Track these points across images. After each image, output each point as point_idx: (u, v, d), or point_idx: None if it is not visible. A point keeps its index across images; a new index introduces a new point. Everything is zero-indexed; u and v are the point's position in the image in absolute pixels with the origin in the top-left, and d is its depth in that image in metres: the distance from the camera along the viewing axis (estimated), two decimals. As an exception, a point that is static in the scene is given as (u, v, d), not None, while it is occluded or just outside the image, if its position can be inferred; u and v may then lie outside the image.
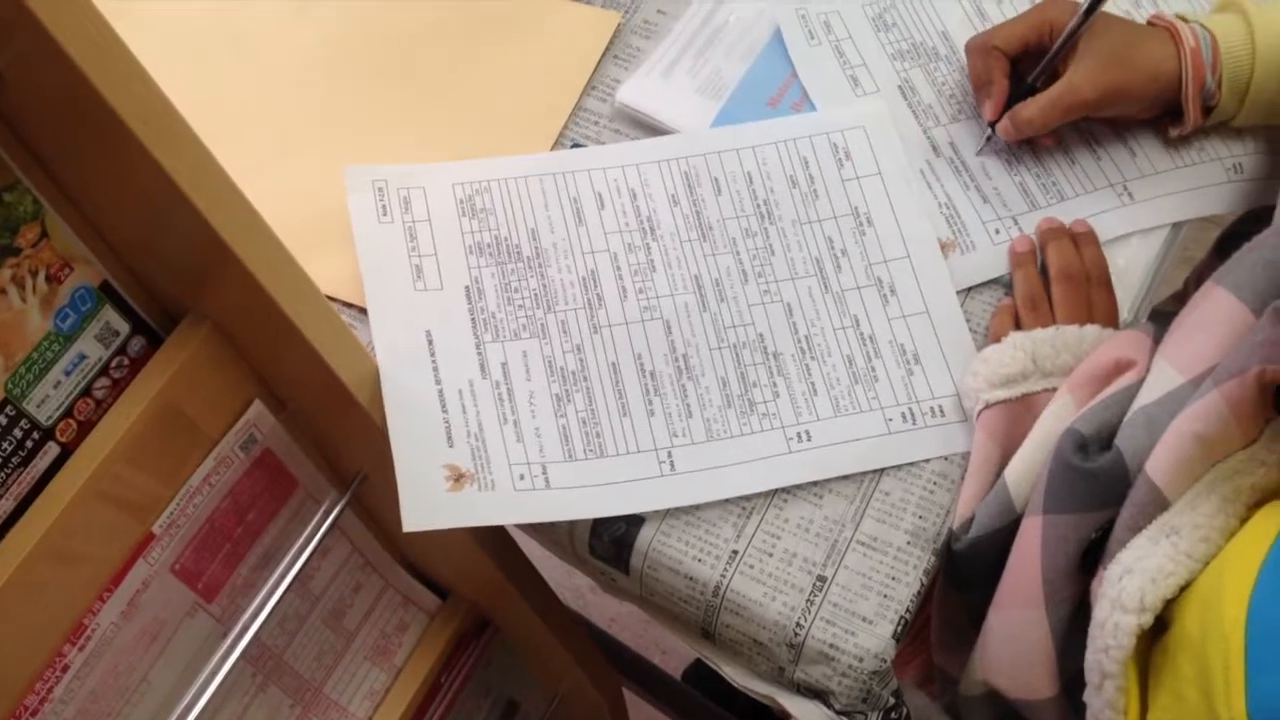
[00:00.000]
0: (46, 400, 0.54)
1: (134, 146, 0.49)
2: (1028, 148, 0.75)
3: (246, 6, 0.85)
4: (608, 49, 0.83)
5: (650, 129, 0.79)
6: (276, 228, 0.55)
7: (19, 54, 0.47)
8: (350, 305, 0.72)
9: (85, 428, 0.55)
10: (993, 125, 0.74)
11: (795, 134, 0.77)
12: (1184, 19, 0.70)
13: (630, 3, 0.86)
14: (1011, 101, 0.73)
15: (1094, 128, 0.75)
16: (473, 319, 0.69)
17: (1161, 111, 0.73)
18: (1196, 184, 0.73)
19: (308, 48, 0.83)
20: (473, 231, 0.72)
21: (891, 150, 0.76)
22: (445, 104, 0.81)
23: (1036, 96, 0.71)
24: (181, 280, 0.58)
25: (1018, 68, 0.74)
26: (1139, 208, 0.72)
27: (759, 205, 0.74)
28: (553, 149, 0.78)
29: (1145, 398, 0.57)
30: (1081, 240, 0.70)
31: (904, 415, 0.67)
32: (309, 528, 0.67)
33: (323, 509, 0.67)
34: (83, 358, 0.55)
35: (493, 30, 0.84)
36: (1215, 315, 0.56)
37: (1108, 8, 0.70)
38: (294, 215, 0.73)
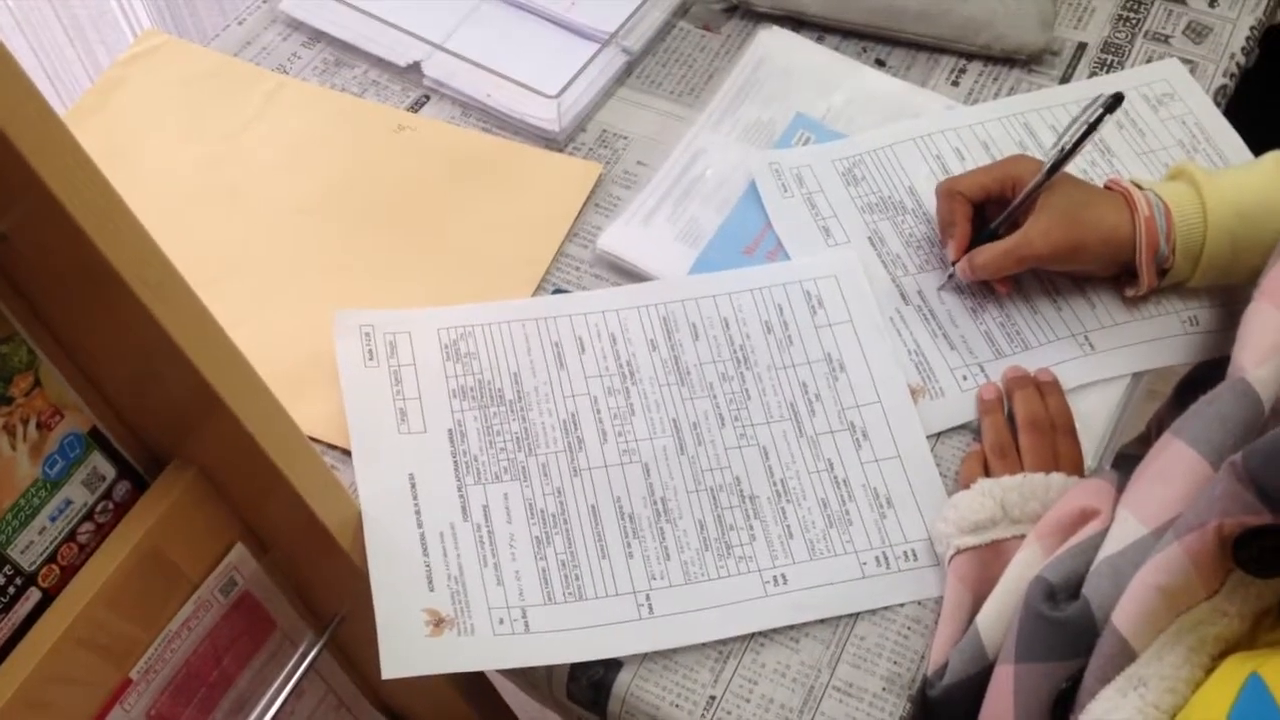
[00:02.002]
0: (30, 546, 0.54)
1: (133, 303, 0.50)
2: (992, 297, 0.78)
3: (239, 153, 0.88)
4: (589, 198, 0.86)
5: (630, 275, 0.82)
6: (263, 370, 0.56)
7: (25, 215, 0.49)
8: (334, 447, 0.73)
9: (68, 573, 0.56)
10: (954, 264, 0.77)
11: (770, 282, 0.80)
12: (1139, 185, 0.74)
13: (611, 154, 0.89)
14: (975, 243, 0.77)
15: (1055, 280, 0.79)
16: (455, 462, 0.70)
17: (1118, 271, 0.76)
18: (1154, 335, 0.76)
19: (298, 194, 0.86)
20: (457, 375, 0.73)
21: (862, 298, 0.78)
22: (432, 250, 0.83)
23: (993, 244, 0.75)
24: (169, 426, 0.59)
25: (984, 212, 0.78)
26: (1100, 358, 0.75)
27: (735, 350, 0.77)
28: (535, 293, 0.81)
29: (1110, 548, 0.58)
30: (1046, 389, 0.73)
31: (878, 559, 0.68)
32: (285, 670, 0.67)
33: (299, 651, 0.67)
34: (69, 503, 0.56)
35: (478, 179, 0.87)
36: (1175, 468, 0.58)
37: (1069, 169, 0.74)
38: (281, 358, 0.75)
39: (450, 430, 0.71)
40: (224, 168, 0.87)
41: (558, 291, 0.81)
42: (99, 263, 0.48)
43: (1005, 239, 0.75)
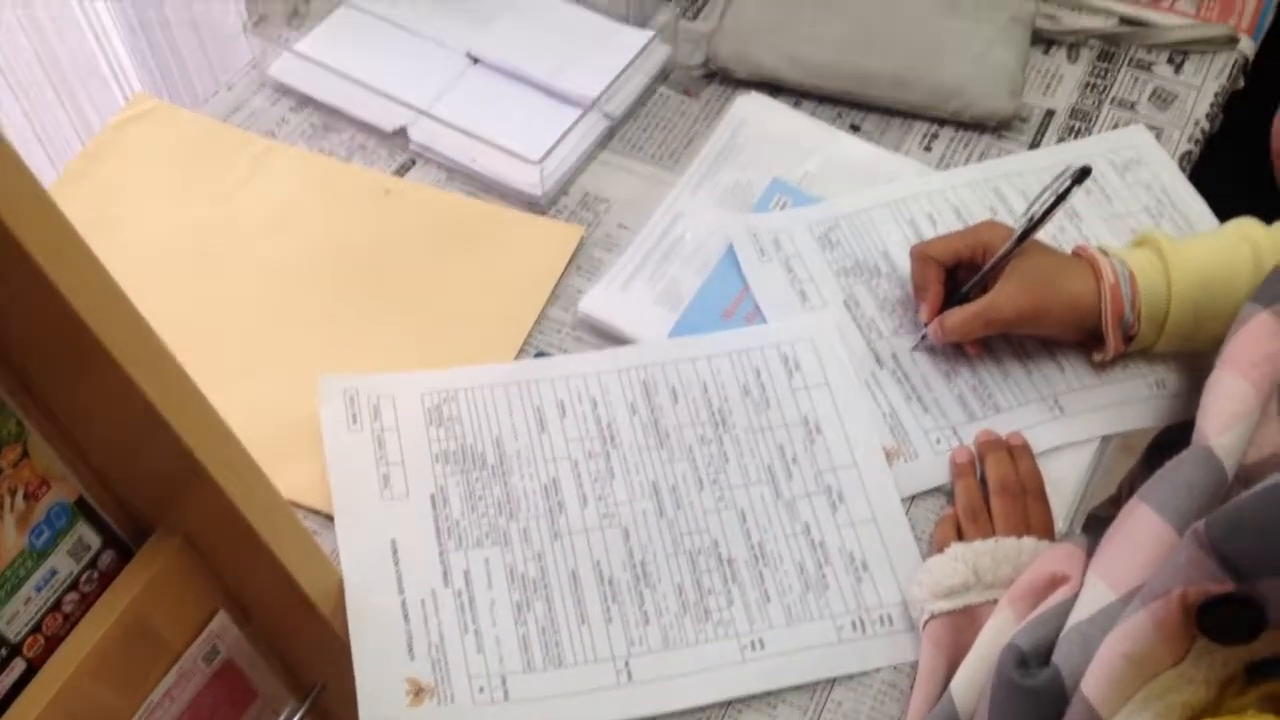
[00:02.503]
0: (16, 617, 0.55)
1: (119, 376, 0.51)
2: (965, 360, 0.80)
3: (227, 217, 0.89)
4: (571, 260, 0.88)
5: (612, 337, 0.83)
6: (247, 434, 0.57)
7: (15, 292, 0.50)
8: (316, 512, 0.73)
9: (53, 643, 0.56)
10: (927, 326, 0.79)
11: (748, 345, 0.81)
12: (1105, 252, 0.76)
13: (593, 217, 0.91)
14: (947, 305, 0.78)
15: (1025, 343, 0.80)
16: (437, 527, 0.71)
17: (1085, 336, 0.78)
18: (1122, 399, 0.77)
19: (285, 258, 0.87)
20: (439, 439, 0.75)
21: (838, 361, 0.80)
22: (416, 313, 0.85)
23: (963, 307, 0.77)
24: (154, 494, 0.59)
25: (956, 276, 0.80)
26: (1069, 421, 0.77)
27: (714, 413, 0.78)
28: (518, 356, 0.82)
29: (1079, 614, 0.59)
30: (1017, 453, 0.74)
31: (854, 624, 0.69)
32: (267, 737, 0.67)
33: (281, 719, 0.68)
34: (54, 573, 0.56)
35: (463, 243, 0.89)
36: (1142, 534, 0.60)
37: (1038, 236, 0.76)
38: (265, 421, 0.76)
39: (433, 495, 0.72)
40: (212, 232, 0.88)
41: (540, 355, 0.82)
42: (85, 336, 0.49)
43: (975, 302, 0.76)
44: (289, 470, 0.73)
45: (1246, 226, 0.75)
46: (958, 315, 0.77)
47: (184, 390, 0.54)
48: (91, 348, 0.50)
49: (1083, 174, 0.74)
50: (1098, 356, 0.77)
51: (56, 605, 0.57)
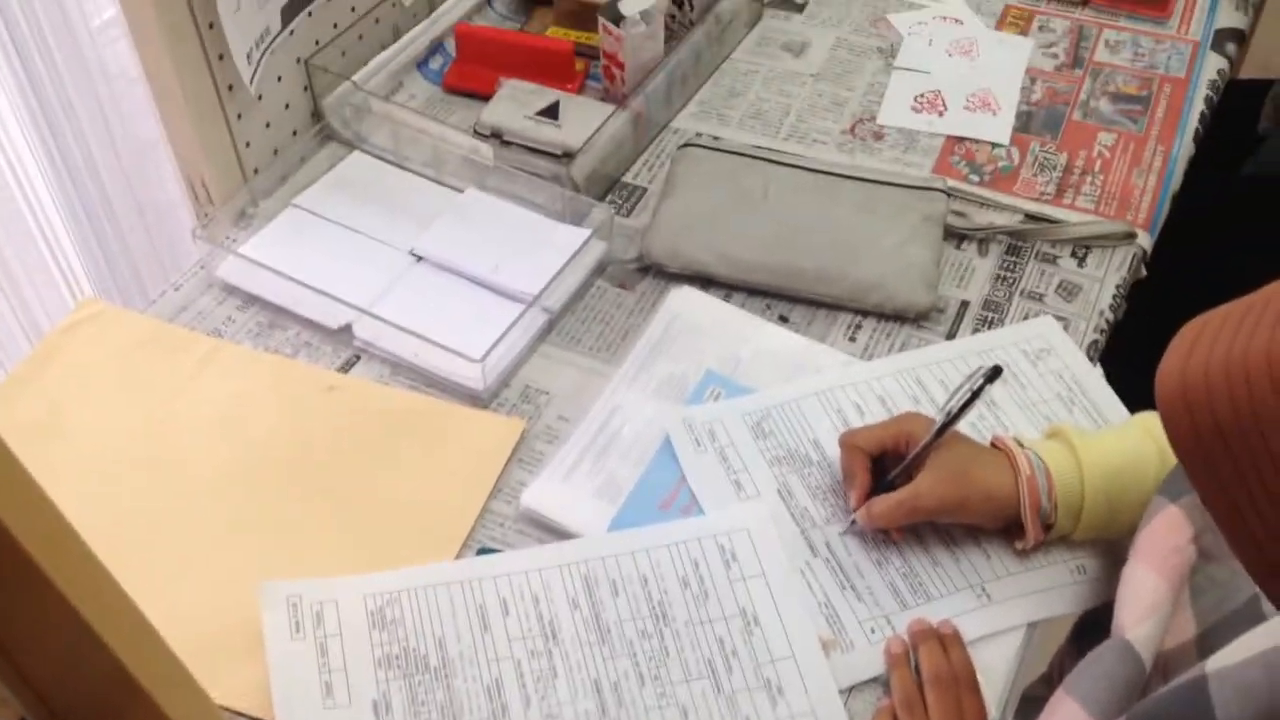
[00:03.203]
0: None
1: (57, 599, 0.52)
2: (894, 548, 0.83)
3: (173, 418, 0.91)
4: (513, 453, 0.90)
5: (553, 531, 0.85)
6: (188, 640, 0.57)
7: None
8: (257, 720, 0.73)
9: None
10: (855, 513, 0.82)
11: (685, 537, 0.83)
12: (1021, 444, 0.80)
13: (534, 409, 0.94)
14: (875, 492, 0.82)
15: (952, 530, 0.84)
16: (379, 735, 0.71)
17: (1006, 525, 0.81)
18: (1046, 585, 0.81)
19: (229, 459, 0.88)
20: (382, 644, 0.75)
21: (773, 552, 0.82)
22: (359, 509, 0.86)
23: (888, 495, 0.80)
24: (95, 713, 0.59)
25: (883, 463, 0.83)
26: (996, 609, 0.79)
27: (654, 607, 0.79)
28: (461, 551, 0.84)
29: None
30: (948, 642, 0.76)
31: (796, 822, 0.70)
32: None
33: None
34: (-12, 804, 0.56)
35: (406, 438, 0.91)
36: None
37: (960, 426, 0.80)
38: (206, 628, 0.76)
39: (375, 702, 0.72)
40: (157, 433, 0.89)
41: (483, 550, 0.83)
42: (21, 560, 0.50)
43: (899, 491, 0.80)
44: (229, 676, 0.73)
45: (1150, 421, 0.80)
46: (883, 504, 0.80)
47: (124, 613, 0.55)
48: (29, 572, 0.51)
49: (994, 373, 0.79)
50: (1019, 545, 0.81)
51: (-11, 838, 0.56)
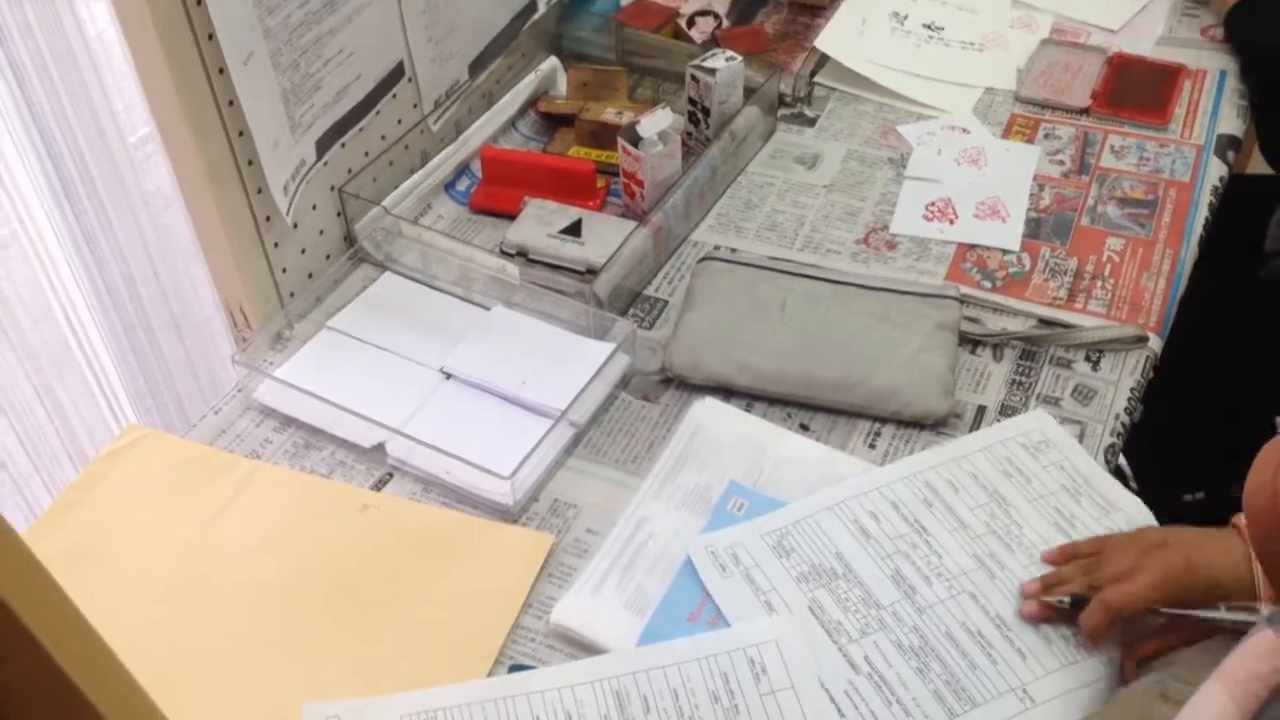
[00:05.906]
0: None
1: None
2: (935, 655, 0.84)
3: (213, 540, 0.93)
4: (543, 568, 0.92)
5: (583, 645, 0.87)
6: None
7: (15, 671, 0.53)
8: (297, 845, 0.74)
9: None
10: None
11: (714, 650, 0.84)
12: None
13: (562, 523, 0.96)
14: None
15: (984, 631, 0.84)
16: None
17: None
18: (1087, 681, 0.81)
19: (267, 579, 0.91)
20: (418, 765, 0.76)
21: (804, 664, 0.83)
22: (394, 628, 0.88)
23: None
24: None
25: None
26: (1041, 710, 0.80)
27: (685, 722, 0.80)
28: (493, 668, 0.85)
29: None
30: None
31: None
32: None
33: None
34: None
35: (438, 555, 0.93)
36: None
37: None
38: (247, 751, 0.78)
39: (412, 824, 0.73)
40: (198, 556, 0.92)
41: (515, 667, 0.85)
42: (73, 695, 0.51)
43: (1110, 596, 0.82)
44: (269, 802, 0.75)
45: None
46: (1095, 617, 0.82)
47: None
48: (75, 700, 0.53)
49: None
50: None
51: None
